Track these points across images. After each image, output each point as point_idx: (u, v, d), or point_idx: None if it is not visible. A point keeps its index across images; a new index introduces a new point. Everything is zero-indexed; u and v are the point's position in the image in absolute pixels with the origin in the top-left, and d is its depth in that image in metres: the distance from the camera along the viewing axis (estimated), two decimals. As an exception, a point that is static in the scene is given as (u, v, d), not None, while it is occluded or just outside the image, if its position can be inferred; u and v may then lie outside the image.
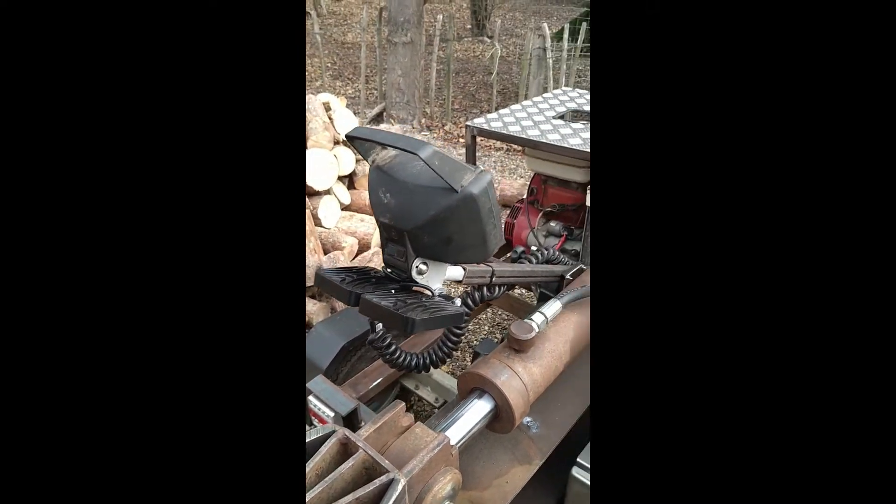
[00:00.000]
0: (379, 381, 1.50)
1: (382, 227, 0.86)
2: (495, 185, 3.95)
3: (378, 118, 5.02)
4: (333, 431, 0.74)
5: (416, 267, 0.86)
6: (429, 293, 0.89)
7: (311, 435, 0.75)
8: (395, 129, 3.74)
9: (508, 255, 2.04)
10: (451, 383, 1.55)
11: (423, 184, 0.80)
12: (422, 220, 0.80)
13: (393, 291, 0.87)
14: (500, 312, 2.75)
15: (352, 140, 0.85)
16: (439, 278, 0.90)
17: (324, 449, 0.73)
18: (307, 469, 0.70)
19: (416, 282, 0.87)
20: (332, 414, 1.04)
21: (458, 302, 0.93)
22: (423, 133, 4.87)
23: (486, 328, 2.77)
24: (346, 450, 0.75)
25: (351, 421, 1.03)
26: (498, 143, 4.43)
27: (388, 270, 0.91)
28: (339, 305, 2.30)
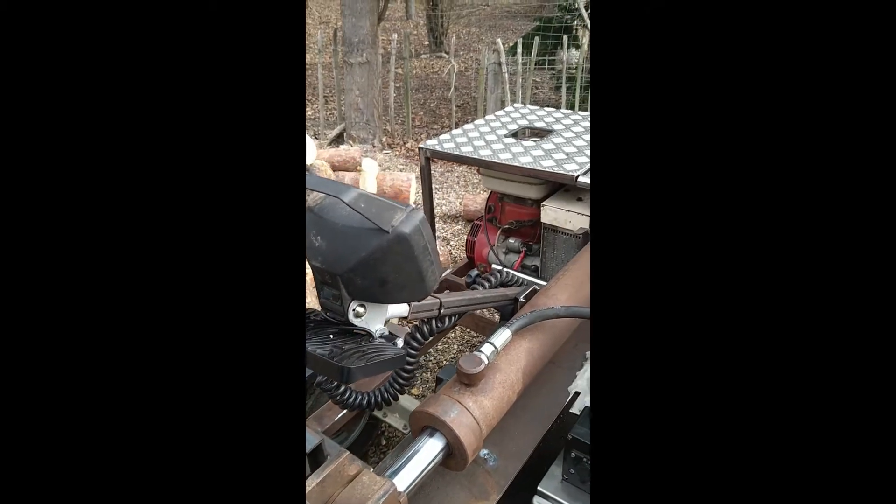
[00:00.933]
0: (344, 412, 1.46)
1: (315, 270, 0.83)
2: (458, 201, 3.98)
3: (338, 139, 4.99)
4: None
5: (353, 310, 0.83)
6: (369, 336, 0.86)
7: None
8: (355, 149, 3.71)
9: (465, 276, 2.03)
10: None
11: (353, 225, 0.78)
12: (353, 262, 0.78)
13: (331, 336, 0.84)
14: (468, 331, 2.73)
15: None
16: (380, 319, 0.88)
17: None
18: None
19: (355, 325, 0.85)
20: None
21: (401, 342, 0.90)
22: (384, 151, 4.86)
23: (455, 347, 2.75)
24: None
25: (315, 457, 0.98)
26: (459, 159, 4.46)
27: (327, 314, 0.88)
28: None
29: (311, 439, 0.99)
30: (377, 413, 1.77)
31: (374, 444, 2.14)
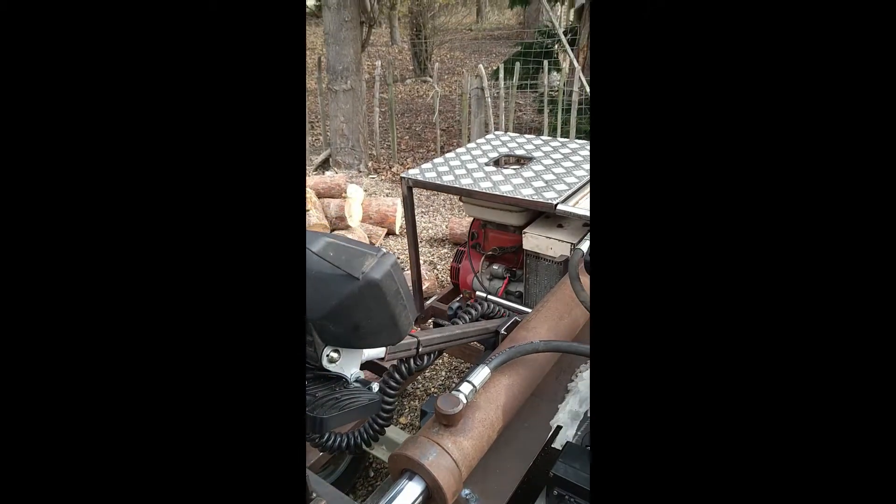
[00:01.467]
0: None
1: (288, 317, 0.83)
2: (445, 224, 3.99)
3: (324, 164, 5.01)
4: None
5: (327, 356, 0.83)
6: (343, 381, 0.85)
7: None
8: (340, 176, 3.72)
9: (447, 307, 2.03)
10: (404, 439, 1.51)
11: (324, 273, 0.78)
12: (326, 310, 0.78)
13: (305, 383, 0.83)
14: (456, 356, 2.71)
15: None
16: (355, 363, 0.87)
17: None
18: None
19: (329, 371, 0.84)
20: None
21: (376, 387, 0.90)
22: (370, 176, 4.88)
23: (444, 373, 2.73)
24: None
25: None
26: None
27: (302, 359, 0.88)
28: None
29: None
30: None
31: (363, 476, 2.11)
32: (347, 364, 0.86)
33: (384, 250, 0.82)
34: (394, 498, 0.90)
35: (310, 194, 3.24)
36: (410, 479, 0.92)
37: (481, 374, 1.04)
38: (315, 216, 3.00)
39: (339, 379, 0.85)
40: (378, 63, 5.27)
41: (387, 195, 4.43)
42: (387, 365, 1.08)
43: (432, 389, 2.62)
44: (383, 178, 4.88)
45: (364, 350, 0.89)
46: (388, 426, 1.09)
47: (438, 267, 3.56)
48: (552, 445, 1.15)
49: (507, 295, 2.18)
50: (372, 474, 2.14)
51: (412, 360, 1.07)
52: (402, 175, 2.17)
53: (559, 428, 1.19)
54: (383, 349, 0.95)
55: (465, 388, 1.00)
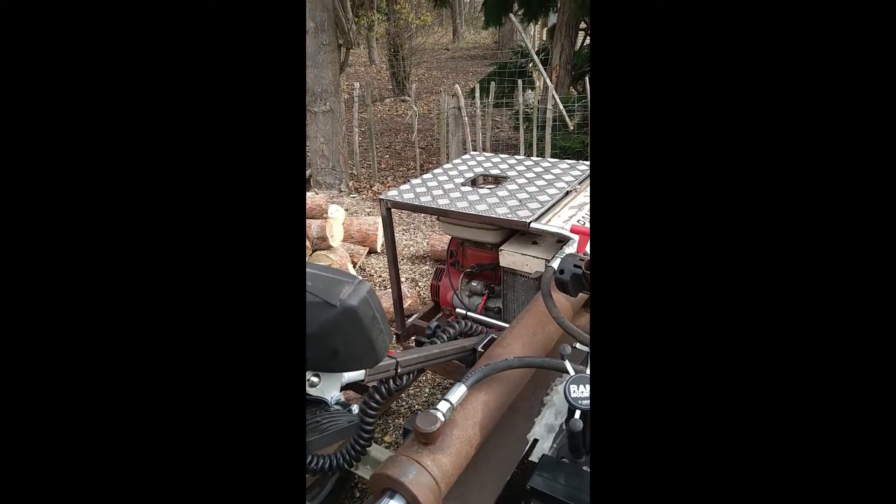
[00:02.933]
0: None
1: (269, 344, 0.86)
2: (426, 241, 4.04)
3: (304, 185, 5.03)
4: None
5: (308, 380, 0.86)
6: (324, 404, 0.89)
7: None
8: (321, 196, 3.75)
9: (427, 325, 2.07)
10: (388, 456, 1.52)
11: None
12: (307, 335, 0.81)
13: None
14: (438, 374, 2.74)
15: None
16: (335, 386, 0.91)
17: None
18: None
19: (310, 394, 0.87)
20: None
21: (356, 408, 0.93)
22: (351, 196, 4.92)
23: (427, 390, 2.75)
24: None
25: None
26: (425, 200, 4.55)
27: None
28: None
29: None
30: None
31: (348, 497, 2.11)
32: (328, 387, 0.89)
33: (360, 278, 0.86)
34: (375, 517, 0.93)
35: (290, 216, 3.27)
36: (392, 497, 0.95)
37: (458, 392, 1.08)
38: (296, 237, 3.05)
39: (319, 402, 0.89)
40: (357, 84, 5.35)
41: (368, 214, 4.47)
42: (368, 385, 1.11)
43: (416, 406, 2.64)
44: (364, 197, 4.92)
45: (343, 374, 0.93)
46: (368, 446, 1.11)
47: (420, 284, 3.60)
48: (529, 458, 1.19)
49: (487, 311, 2.23)
50: (358, 494, 2.14)
51: (391, 381, 1.11)
52: (381, 197, 2.21)
53: (536, 441, 1.23)
54: (362, 372, 0.98)
55: (443, 406, 1.04)
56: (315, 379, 0.87)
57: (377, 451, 1.78)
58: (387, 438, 2.41)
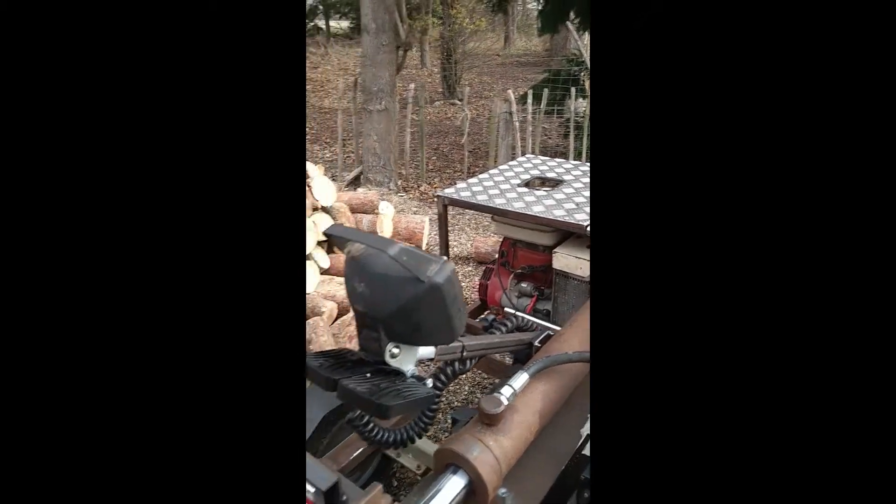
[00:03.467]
0: (359, 451, 1.51)
1: (357, 314, 0.92)
2: (470, 243, 4.08)
3: (355, 181, 5.18)
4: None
5: (390, 351, 0.92)
6: (402, 375, 0.94)
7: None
8: (373, 192, 3.86)
9: (480, 318, 2.11)
10: (432, 448, 1.57)
11: (392, 275, 0.88)
12: (393, 308, 0.87)
13: (368, 375, 0.92)
14: (479, 372, 2.77)
15: (328, 236, 0.93)
16: (412, 360, 0.96)
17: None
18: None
19: (390, 365, 0.93)
20: (312, 490, 1.04)
21: (430, 382, 0.98)
22: (399, 195, 5.02)
23: (467, 388, 2.79)
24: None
25: (332, 496, 1.03)
26: (471, 202, 4.61)
27: (363, 353, 0.97)
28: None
29: (330, 478, 1.04)
30: (391, 453, 1.81)
31: (386, 484, 2.16)
32: (405, 360, 0.95)
33: (445, 258, 0.91)
34: (439, 491, 0.97)
35: (344, 209, 3.38)
36: (454, 473, 1.00)
37: (521, 379, 1.12)
38: (348, 229, 3.16)
39: (398, 373, 0.94)
40: (412, 85, 5.47)
41: (414, 213, 4.55)
42: (431, 367, 1.16)
43: (455, 403, 2.68)
44: (411, 196, 5.01)
45: (419, 349, 0.98)
46: (431, 425, 1.16)
47: (463, 284, 3.65)
48: (582, 452, 1.21)
49: (535, 312, 2.25)
50: (395, 483, 2.20)
51: (456, 364, 1.15)
52: (439, 193, 2.28)
53: (589, 436, 1.25)
54: (434, 350, 1.03)
55: (507, 391, 1.08)
56: (396, 350, 0.92)
57: (420, 442, 1.83)
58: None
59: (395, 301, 0.87)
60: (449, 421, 2.22)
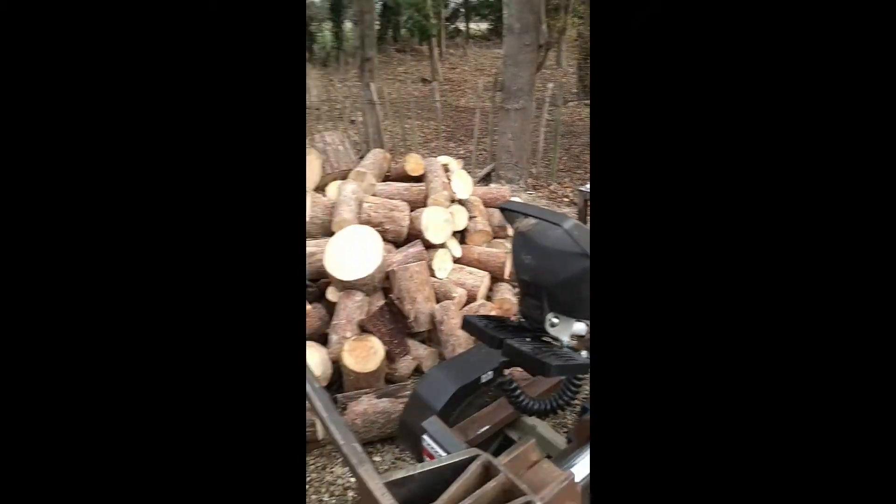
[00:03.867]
0: (486, 427, 1.59)
1: (522, 283, 1.01)
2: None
3: (487, 178, 5.34)
4: (478, 455, 0.88)
5: (550, 320, 0.99)
6: (558, 344, 1.01)
7: (457, 457, 0.89)
8: (505, 188, 3.97)
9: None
10: (553, 436, 1.60)
11: (560, 249, 0.95)
12: (559, 279, 0.94)
13: (528, 339, 1.00)
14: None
15: (503, 211, 1.03)
16: (568, 331, 1.03)
17: (470, 469, 0.86)
18: (454, 487, 0.84)
19: (548, 333, 1.01)
20: (443, 454, 1.13)
21: (585, 353, 1.04)
22: (528, 192, 5.07)
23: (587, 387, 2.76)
24: (487, 473, 0.88)
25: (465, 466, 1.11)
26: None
27: (522, 321, 1.06)
28: (446, 353, 2.45)
29: (459, 446, 1.10)
30: (513, 436, 1.87)
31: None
32: (563, 330, 1.02)
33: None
34: (586, 456, 1.03)
35: (478, 202, 3.52)
36: (599, 445, 1.04)
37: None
38: (481, 223, 3.27)
39: (555, 340, 1.01)
40: (550, 84, 5.48)
41: (544, 211, 4.56)
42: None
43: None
44: (541, 195, 5.04)
45: (575, 323, 1.04)
46: (575, 398, 1.22)
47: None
48: None
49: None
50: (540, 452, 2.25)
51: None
52: (580, 188, 2.30)
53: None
54: (585, 327, 1.09)
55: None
56: (556, 320, 1.00)
57: (542, 429, 1.87)
58: (548, 423, 2.49)
59: (562, 273, 0.94)
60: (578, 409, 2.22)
